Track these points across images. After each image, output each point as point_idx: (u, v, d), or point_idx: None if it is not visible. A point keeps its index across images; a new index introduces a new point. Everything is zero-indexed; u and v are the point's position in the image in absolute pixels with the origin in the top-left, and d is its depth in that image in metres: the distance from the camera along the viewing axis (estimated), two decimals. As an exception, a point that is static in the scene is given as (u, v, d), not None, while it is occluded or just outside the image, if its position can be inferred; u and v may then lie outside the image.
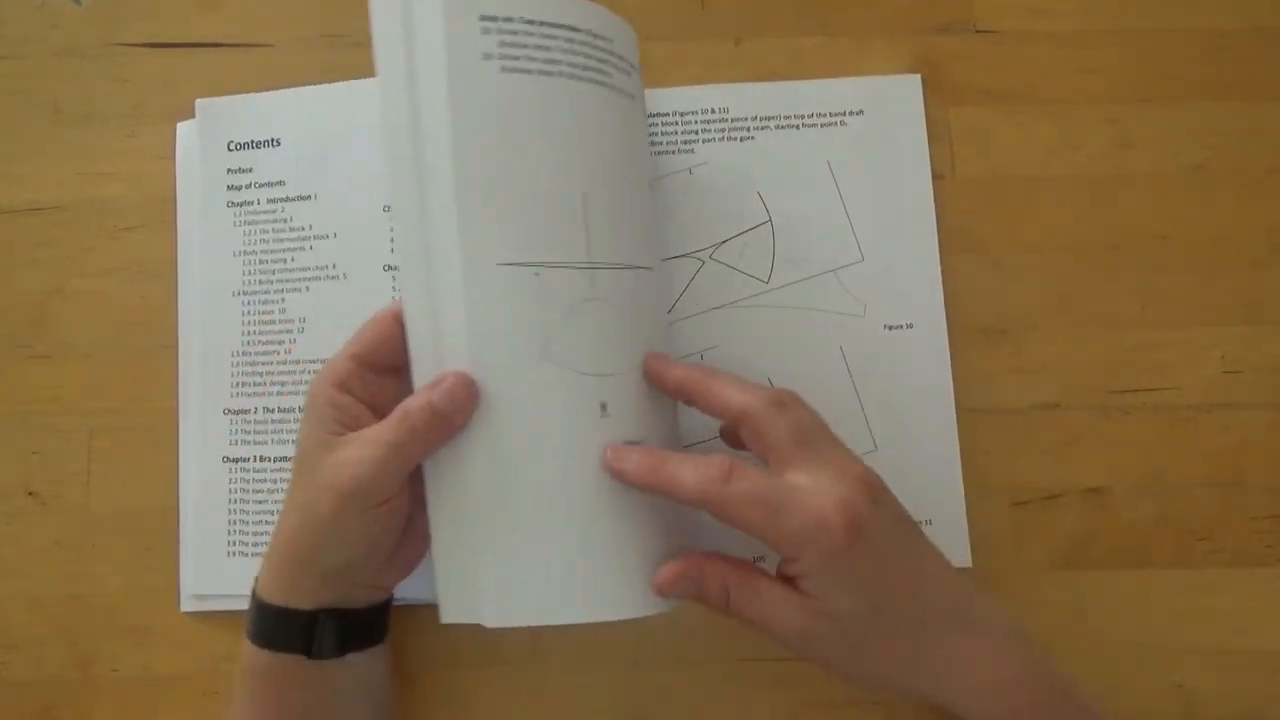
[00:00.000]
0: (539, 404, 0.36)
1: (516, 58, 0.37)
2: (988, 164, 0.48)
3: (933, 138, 0.48)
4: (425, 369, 0.36)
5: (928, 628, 0.35)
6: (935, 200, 0.47)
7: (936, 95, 0.48)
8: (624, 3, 0.50)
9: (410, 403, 0.35)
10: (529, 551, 0.35)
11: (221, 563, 0.44)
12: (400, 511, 0.36)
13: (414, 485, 0.37)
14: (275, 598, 0.37)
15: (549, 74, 0.37)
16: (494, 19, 0.36)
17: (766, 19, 0.50)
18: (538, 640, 0.44)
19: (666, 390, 0.38)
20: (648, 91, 0.47)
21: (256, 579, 0.38)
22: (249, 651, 0.37)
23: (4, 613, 0.45)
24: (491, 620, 0.36)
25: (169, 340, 0.46)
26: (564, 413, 0.36)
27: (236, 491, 0.45)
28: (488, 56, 0.36)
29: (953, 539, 0.44)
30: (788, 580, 0.35)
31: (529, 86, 0.37)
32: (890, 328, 0.46)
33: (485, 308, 0.35)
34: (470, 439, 0.35)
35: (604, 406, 0.36)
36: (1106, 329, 0.47)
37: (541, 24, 0.37)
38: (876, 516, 0.34)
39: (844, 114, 0.48)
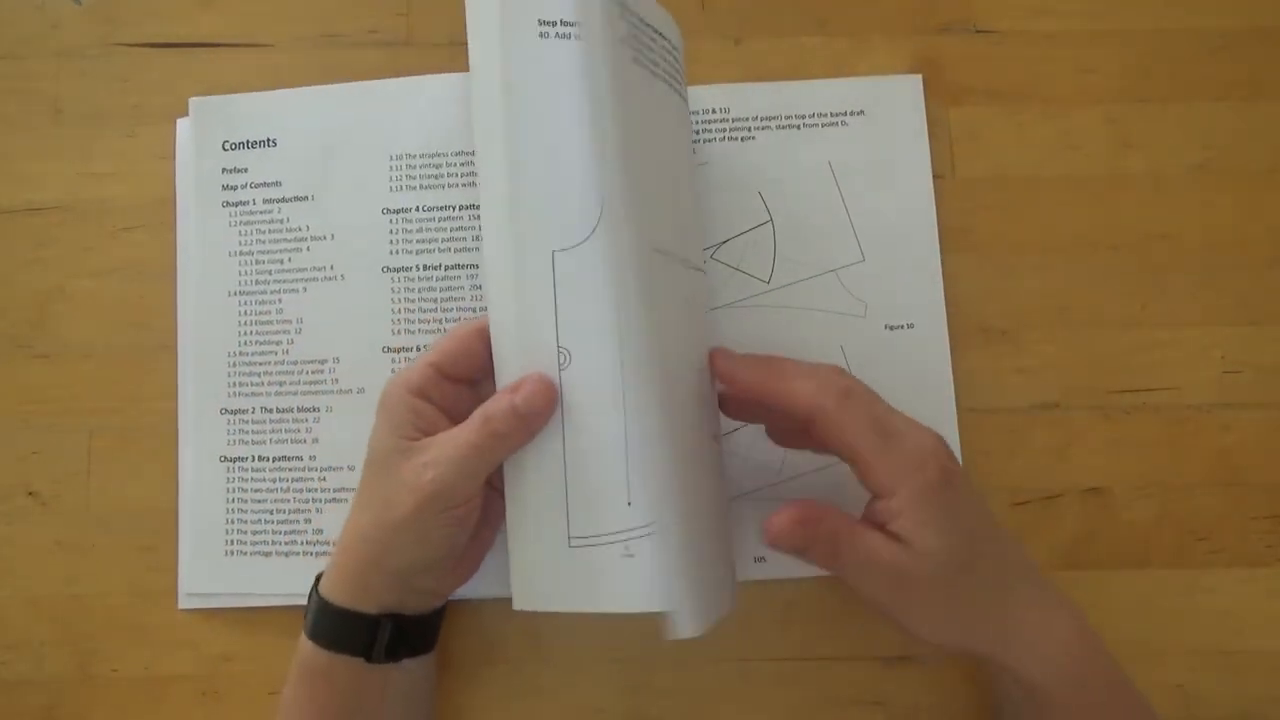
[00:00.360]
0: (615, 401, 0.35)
1: (638, 51, 0.36)
2: (988, 164, 0.48)
3: (933, 138, 0.48)
4: (510, 372, 0.36)
5: (1009, 583, 0.36)
6: (935, 200, 0.47)
7: (936, 95, 0.48)
8: (624, 3, 0.50)
9: (491, 406, 0.35)
10: (604, 542, 0.36)
11: (219, 561, 0.44)
12: (474, 516, 0.37)
13: (485, 491, 0.37)
14: (340, 599, 0.37)
15: (654, 75, 0.38)
16: (624, 7, 0.36)
17: (766, 19, 0.50)
18: (538, 640, 0.45)
19: (735, 390, 0.38)
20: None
21: (319, 578, 0.38)
22: (307, 649, 0.38)
23: (4, 613, 0.45)
24: (565, 606, 0.36)
25: (168, 340, 0.46)
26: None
27: (234, 491, 0.45)
28: (624, 42, 0.36)
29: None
30: (884, 527, 0.35)
31: (648, 84, 0.37)
32: (891, 328, 0.46)
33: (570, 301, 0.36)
34: (551, 435, 0.36)
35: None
36: (1106, 329, 0.47)
37: (645, 24, 0.37)
38: (961, 473, 0.35)
39: (844, 114, 0.48)
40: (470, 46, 0.37)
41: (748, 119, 0.48)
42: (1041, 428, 0.46)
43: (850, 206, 0.47)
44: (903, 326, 0.46)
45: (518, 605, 0.37)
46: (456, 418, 0.36)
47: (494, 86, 0.36)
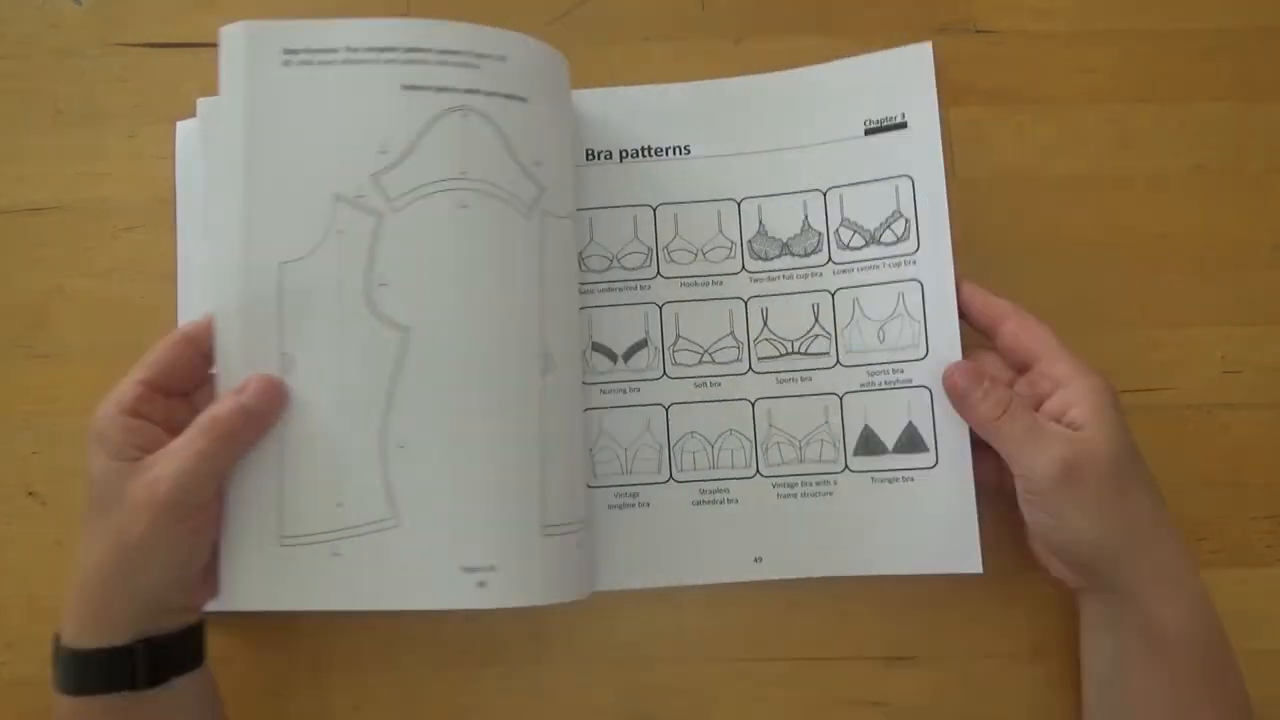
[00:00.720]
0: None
1: (411, 75, 0.41)
2: (988, 164, 0.48)
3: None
4: (235, 376, 0.38)
5: (1164, 520, 0.38)
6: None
7: (936, 95, 0.48)
8: (625, 3, 0.50)
9: (218, 408, 0.37)
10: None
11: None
12: (213, 523, 0.37)
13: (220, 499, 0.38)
14: (89, 641, 0.36)
15: (428, 91, 0.41)
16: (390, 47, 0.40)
17: (766, 19, 0.50)
18: (538, 640, 0.45)
19: (964, 309, 0.43)
20: (645, 88, 0.48)
21: (57, 636, 0.37)
22: (69, 706, 0.36)
23: (4, 613, 0.45)
24: (274, 605, 0.38)
25: (169, 340, 0.46)
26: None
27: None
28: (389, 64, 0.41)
29: (963, 543, 0.43)
30: (1057, 421, 0.39)
31: (413, 102, 0.40)
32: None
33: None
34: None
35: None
36: (1106, 329, 0.47)
37: (444, 51, 0.41)
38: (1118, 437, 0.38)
39: (852, 98, 0.47)
40: (220, 73, 0.40)
41: (738, 123, 0.48)
42: (1042, 428, 0.46)
43: (850, 206, 0.47)
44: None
45: (226, 604, 0.38)
46: (176, 431, 0.37)
47: (238, 110, 0.39)
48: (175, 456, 0.36)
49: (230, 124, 0.40)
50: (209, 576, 0.39)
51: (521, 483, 0.40)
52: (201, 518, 0.37)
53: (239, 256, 0.39)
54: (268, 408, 0.37)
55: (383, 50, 0.40)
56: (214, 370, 0.39)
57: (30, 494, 0.46)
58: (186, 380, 0.39)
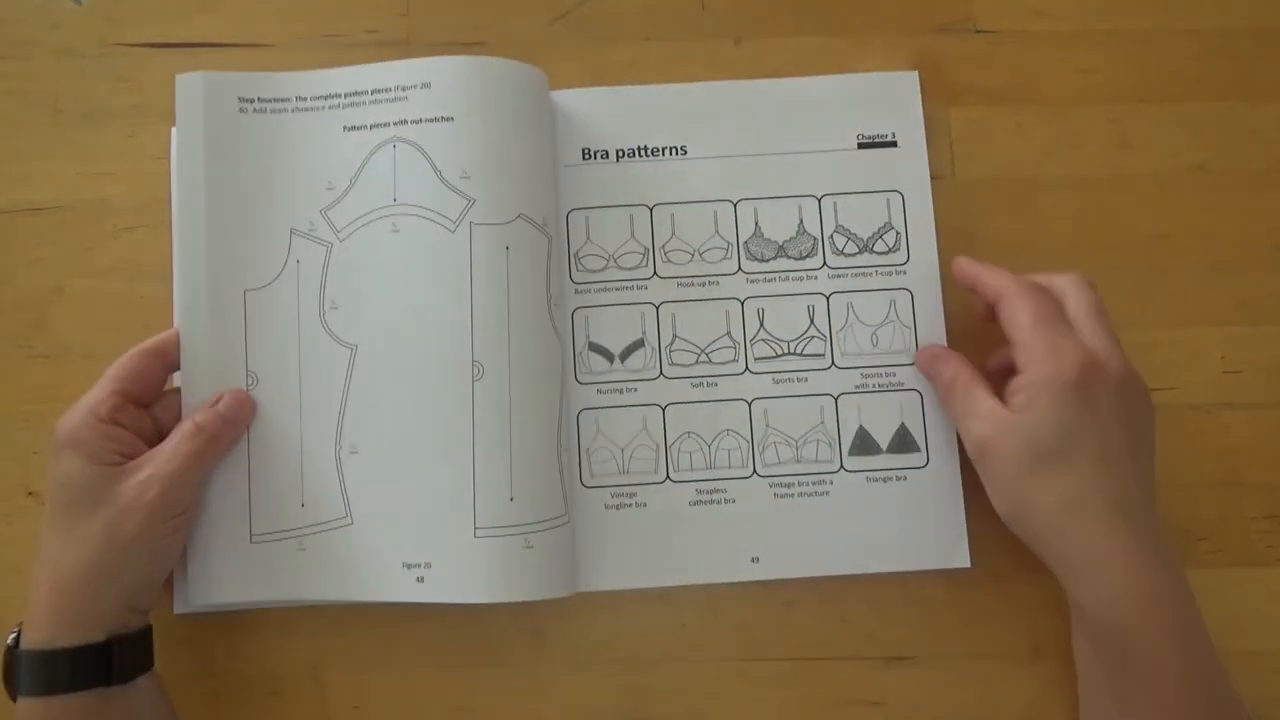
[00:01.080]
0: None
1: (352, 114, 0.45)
2: (988, 164, 0.48)
3: (932, 138, 0.48)
4: (202, 390, 0.42)
5: (1094, 507, 0.37)
6: (935, 200, 0.47)
7: (936, 95, 0.48)
8: (625, 3, 0.50)
9: (201, 416, 0.40)
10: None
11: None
12: (191, 523, 0.41)
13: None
14: (64, 641, 0.37)
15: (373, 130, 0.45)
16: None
17: (766, 19, 0.50)
18: (538, 640, 0.45)
19: (961, 281, 0.43)
20: (644, 88, 0.48)
21: (18, 640, 0.37)
22: (36, 710, 0.36)
23: (4, 612, 0.45)
24: (245, 598, 0.42)
25: (169, 340, 0.46)
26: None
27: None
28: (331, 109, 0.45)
29: (952, 540, 0.44)
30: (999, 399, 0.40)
31: (365, 145, 0.45)
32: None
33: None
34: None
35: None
36: (1106, 329, 0.47)
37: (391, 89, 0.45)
38: (1106, 387, 0.38)
39: (845, 114, 0.48)
40: (178, 118, 0.44)
41: (736, 126, 0.48)
42: (1041, 428, 0.46)
43: (849, 206, 0.47)
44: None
45: (195, 601, 0.42)
46: (146, 438, 0.40)
47: (199, 154, 0.43)
48: (166, 460, 0.39)
49: (192, 166, 0.43)
50: (169, 579, 0.42)
51: (454, 485, 0.42)
52: (188, 516, 0.40)
53: (207, 285, 0.43)
54: (240, 416, 0.42)
55: (326, 97, 0.44)
56: (177, 385, 0.43)
57: (30, 494, 0.46)
58: (151, 392, 0.42)
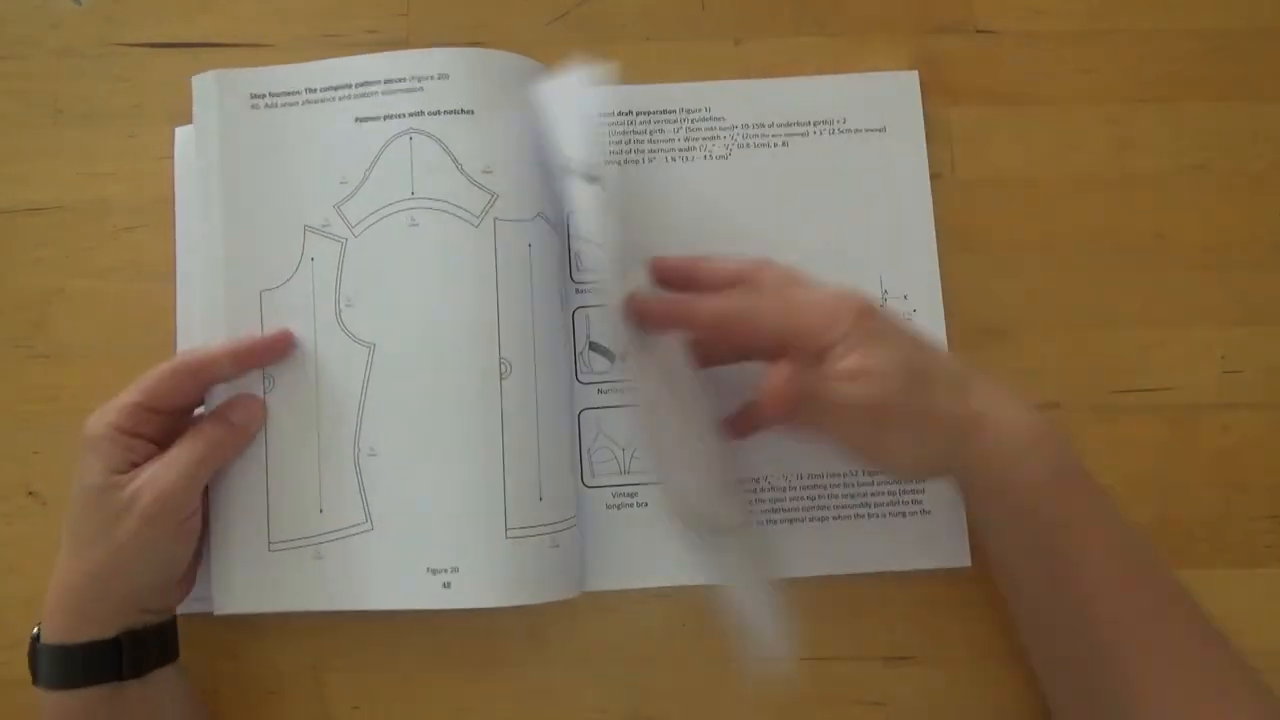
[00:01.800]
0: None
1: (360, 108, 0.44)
2: (987, 164, 0.48)
3: (932, 138, 0.48)
4: (221, 394, 0.42)
5: (965, 383, 0.37)
6: (934, 200, 0.47)
7: (936, 95, 0.48)
8: (625, 3, 0.50)
9: (207, 423, 0.40)
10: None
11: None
12: (198, 529, 0.40)
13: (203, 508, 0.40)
14: (75, 637, 0.37)
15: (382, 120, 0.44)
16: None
17: (766, 19, 0.50)
18: (538, 640, 0.45)
19: (663, 276, 0.41)
20: (642, 87, 0.48)
21: (36, 636, 0.39)
22: (53, 703, 0.38)
23: (4, 613, 0.45)
24: (265, 607, 0.41)
25: (169, 340, 0.46)
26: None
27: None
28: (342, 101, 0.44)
29: (952, 539, 0.44)
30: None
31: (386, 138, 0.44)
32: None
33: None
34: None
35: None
36: (1106, 329, 0.47)
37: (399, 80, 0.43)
38: (883, 314, 0.38)
39: (841, 113, 0.48)
40: (195, 118, 0.43)
41: (744, 119, 0.48)
42: (1041, 428, 0.46)
43: (848, 206, 0.47)
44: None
45: (220, 609, 0.41)
46: (168, 444, 0.39)
47: (214, 153, 0.43)
48: (165, 466, 0.38)
49: (206, 165, 0.43)
50: (184, 580, 0.41)
51: (483, 486, 0.41)
52: (192, 522, 0.39)
53: (223, 287, 0.42)
54: (251, 420, 0.41)
55: (337, 89, 0.43)
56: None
57: (30, 494, 0.46)
58: (181, 403, 0.41)
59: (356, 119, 0.43)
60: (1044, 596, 0.38)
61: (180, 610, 0.42)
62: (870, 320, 0.37)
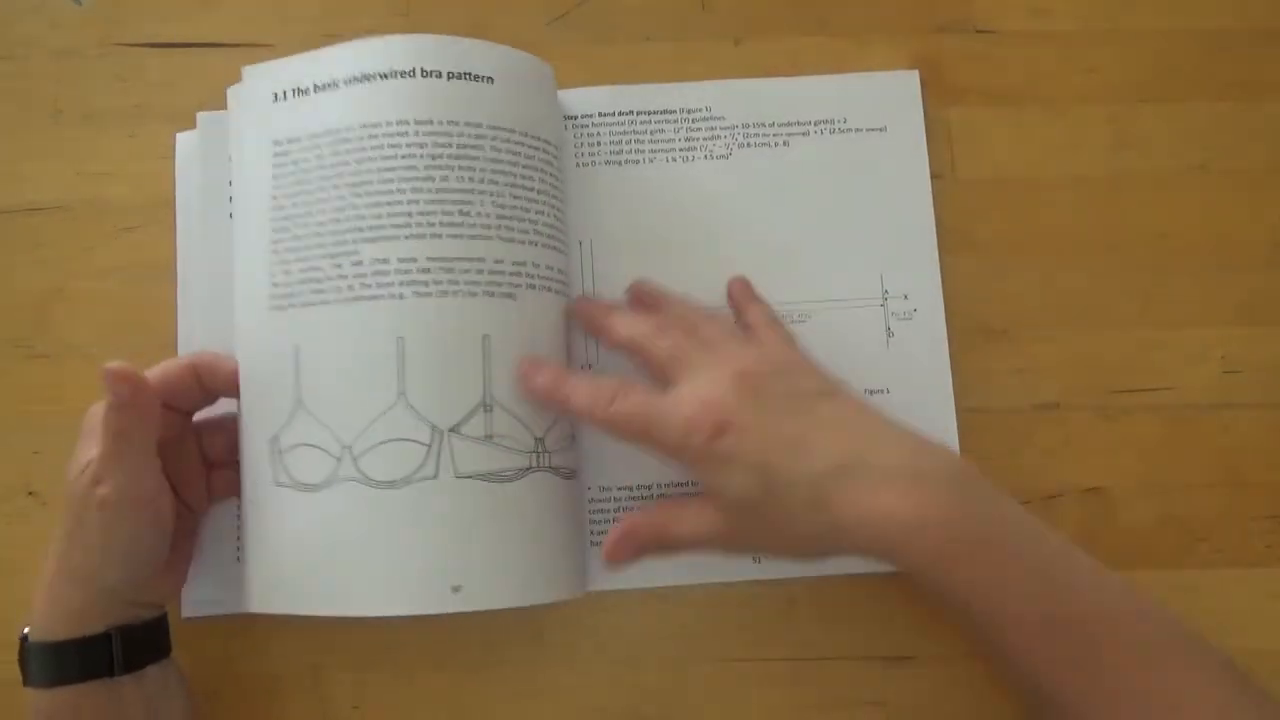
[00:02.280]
0: None
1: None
2: (987, 164, 0.48)
3: (932, 138, 0.48)
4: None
5: (819, 491, 0.35)
6: (934, 200, 0.47)
7: (936, 95, 0.48)
8: (625, 3, 0.50)
9: (97, 410, 0.38)
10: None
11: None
12: (166, 517, 0.38)
13: (179, 494, 0.40)
14: (64, 633, 0.37)
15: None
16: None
17: (766, 19, 0.50)
18: (538, 640, 0.45)
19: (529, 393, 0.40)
20: (643, 87, 0.48)
21: (26, 635, 0.38)
22: (44, 701, 0.37)
23: (4, 612, 0.45)
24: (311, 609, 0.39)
25: (169, 340, 0.46)
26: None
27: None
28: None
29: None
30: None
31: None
32: (890, 328, 0.46)
33: None
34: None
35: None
36: (1106, 329, 0.47)
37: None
38: (749, 407, 0.36)
39: (842, 113, 0.48)
40: (234, 130, 0.43)
41: (744, 119, 0.48)
42: (1041, 428, 0.46)
43: (848, 206, 0.47)
44: (903, 326, 0.46)
45: (259, 608, 0.40)
46: (164, 442, 0.39)
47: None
48: (109, 458, 0.37)
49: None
50: (171, 574, 0.41)
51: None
52: (151, 510, 0.38)
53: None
54: (136, 400, 0.37)
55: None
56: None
57: (30, 494, 0.46)
58: (185, 401, 0.41)
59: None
60: (978, 643, 0.39)
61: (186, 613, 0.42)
62: (721, 440, 0.36)
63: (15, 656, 0.39)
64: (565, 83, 0.48)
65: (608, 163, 0.47)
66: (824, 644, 0.44)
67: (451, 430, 0.39)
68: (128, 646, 0.38)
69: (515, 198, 0.41)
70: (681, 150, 0.47)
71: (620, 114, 0.47)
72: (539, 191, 0.42)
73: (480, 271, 0.40)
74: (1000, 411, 0.46)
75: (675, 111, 0.48)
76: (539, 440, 0.40)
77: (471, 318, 0.39)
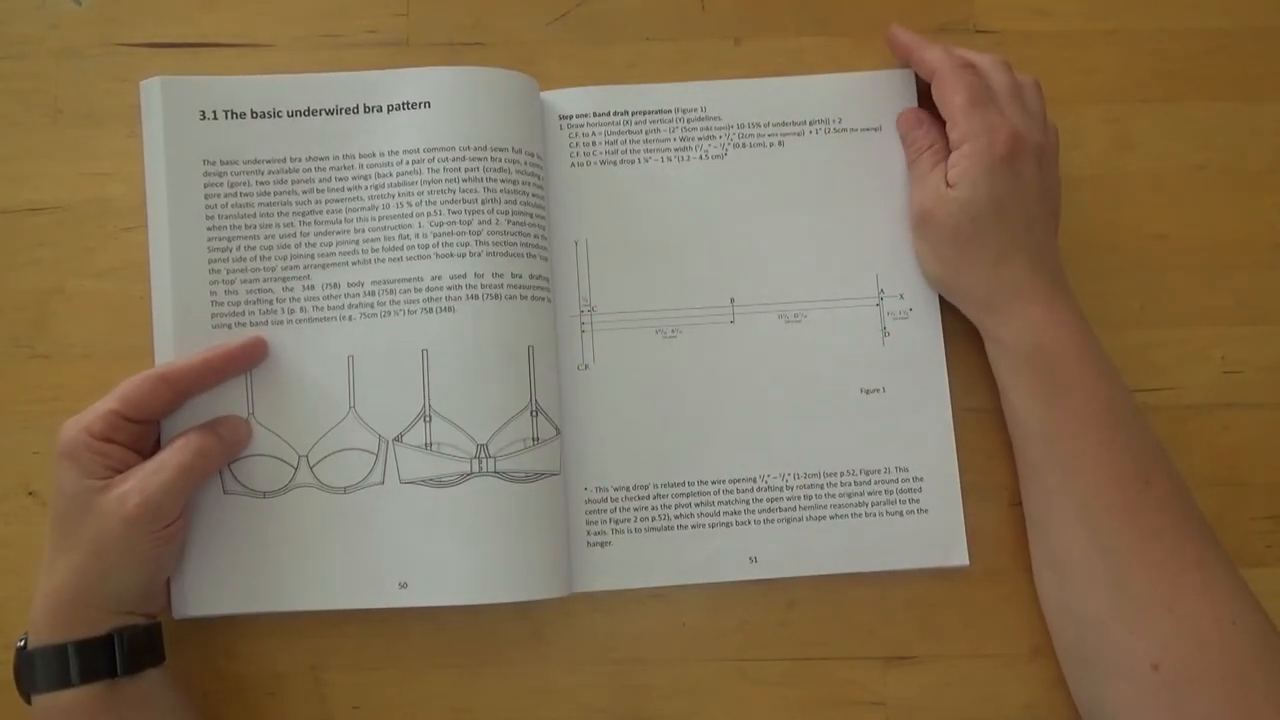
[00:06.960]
0: None
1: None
2: (987, 164, 0.48)
3: (932, 137, 0.48)
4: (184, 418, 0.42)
5: (1011, 257, 0.42)
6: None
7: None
8: (624, 3, 0.50)
9: (193, 433, 0.41)
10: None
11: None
12: (182, 535, 0.40)
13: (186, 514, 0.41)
14: (65, 636, 0.38)
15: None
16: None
17: (766, 19, 0.50)
18: (538, 640, 0.45)
19: (896, 50, 0.47)
20: (638, 87, 0.48)
21: (24, 640, 0.39)
22: (46, 705, 0.38)
23: (4, 613, 0.45)
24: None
25: (169, 340, 0.46)
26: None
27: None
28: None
29: (950, 538, 0.44)
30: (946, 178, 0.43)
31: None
32: (888, 327, 0.46)
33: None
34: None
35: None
36: (1106, 329, 0.46)
37: None
38: (1038, 159, 0.43)
39: (837, 113, 0.48)
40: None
41: (741, 120, 0.48)
42: (1041, 428, 0.46)
43: (847, 206, 0.47)
44: (900, 325, 0.46)
45: (203, 610, 0.42)
46: (144, 452, 0.40)
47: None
48: (150, 473, 0.39)
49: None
50: (168, 585, 0.42)
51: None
52: (175, 527, 0.39)
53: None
54: (236, 438, 0.42)
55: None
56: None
57: (30, 494, 0.46)
58: (157, 412, 0.41)
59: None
60: (1038, 445, 0.42)
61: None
62: (1005, 160, 0.42)
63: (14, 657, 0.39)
64: (565, 83, 0.48)
65: (603, 163, 0.47)
66: (823, 644, 0.44)
67: (395, 439, 0.42)
68: (130, 648, 0.38)
69: (453, 213, 0.43)
70: (677, 150, 0.47)
71: (615, 114, 0.47)
72: (484, 201, 0.43)
73: (419, 290, 0.42)
74: (999, 411, 0.46)
75: (670, 111, 0.48)
76: (481, 447, 0.42)
77: (411, 334, 0.43)
